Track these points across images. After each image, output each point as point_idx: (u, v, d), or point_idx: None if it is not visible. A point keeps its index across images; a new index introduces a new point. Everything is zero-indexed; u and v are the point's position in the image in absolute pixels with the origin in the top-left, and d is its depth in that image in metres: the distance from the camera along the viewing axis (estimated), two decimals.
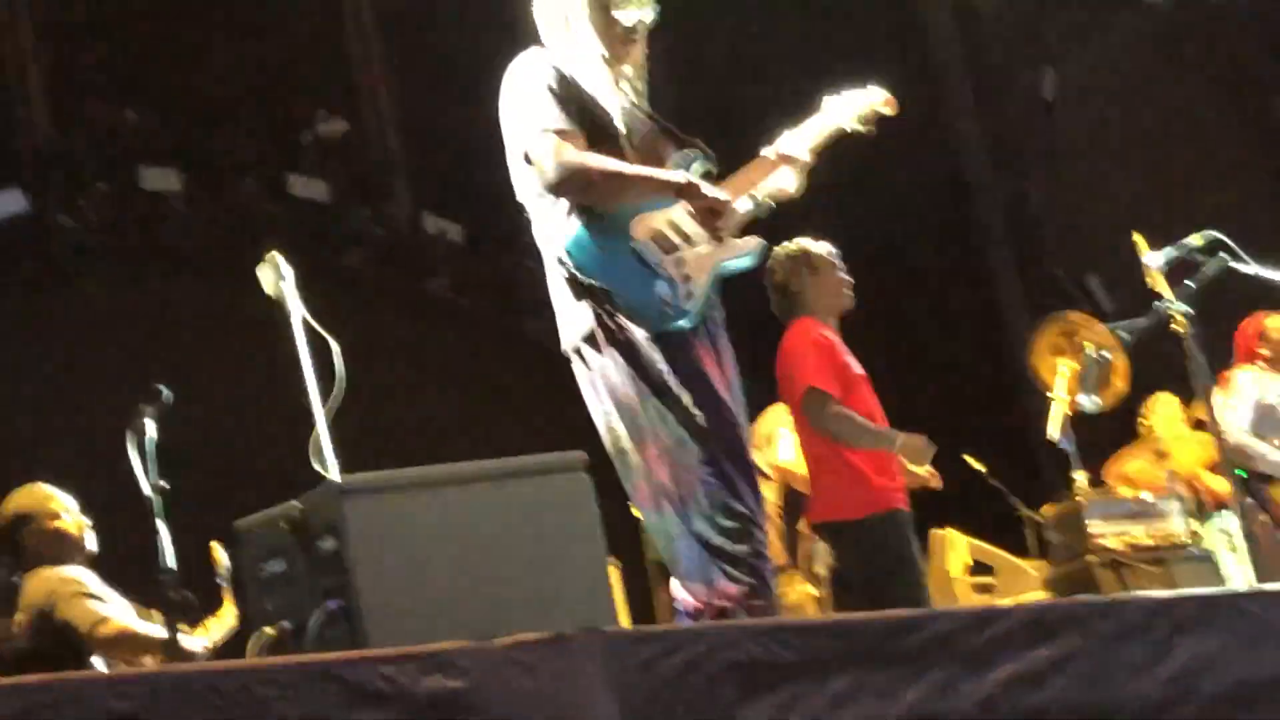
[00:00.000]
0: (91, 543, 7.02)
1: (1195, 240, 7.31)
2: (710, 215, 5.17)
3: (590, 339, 5.16)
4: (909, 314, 13.78)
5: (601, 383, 5.17)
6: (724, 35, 13.42)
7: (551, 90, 5.20)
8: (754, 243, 5.37)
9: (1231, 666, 3.98)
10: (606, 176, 5.13)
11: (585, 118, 5.22)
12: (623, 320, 5.12)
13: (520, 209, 5.40)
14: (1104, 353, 7.54)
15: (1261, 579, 8.02)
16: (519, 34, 5.54)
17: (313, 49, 13.23)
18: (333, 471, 5.42)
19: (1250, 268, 7.12)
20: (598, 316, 5.13)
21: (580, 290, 5.15)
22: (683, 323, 5.13)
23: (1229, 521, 9.55)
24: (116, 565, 7.11)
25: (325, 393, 5.55)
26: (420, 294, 13.16)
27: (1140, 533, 9.23)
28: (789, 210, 5.77)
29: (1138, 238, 8.76)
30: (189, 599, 6.30)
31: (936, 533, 10.13)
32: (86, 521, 7.05)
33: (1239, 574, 9.17)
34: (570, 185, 5.13)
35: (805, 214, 6.17)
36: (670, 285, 5.10)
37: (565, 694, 3.23)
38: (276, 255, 5.71)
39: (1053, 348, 10.17)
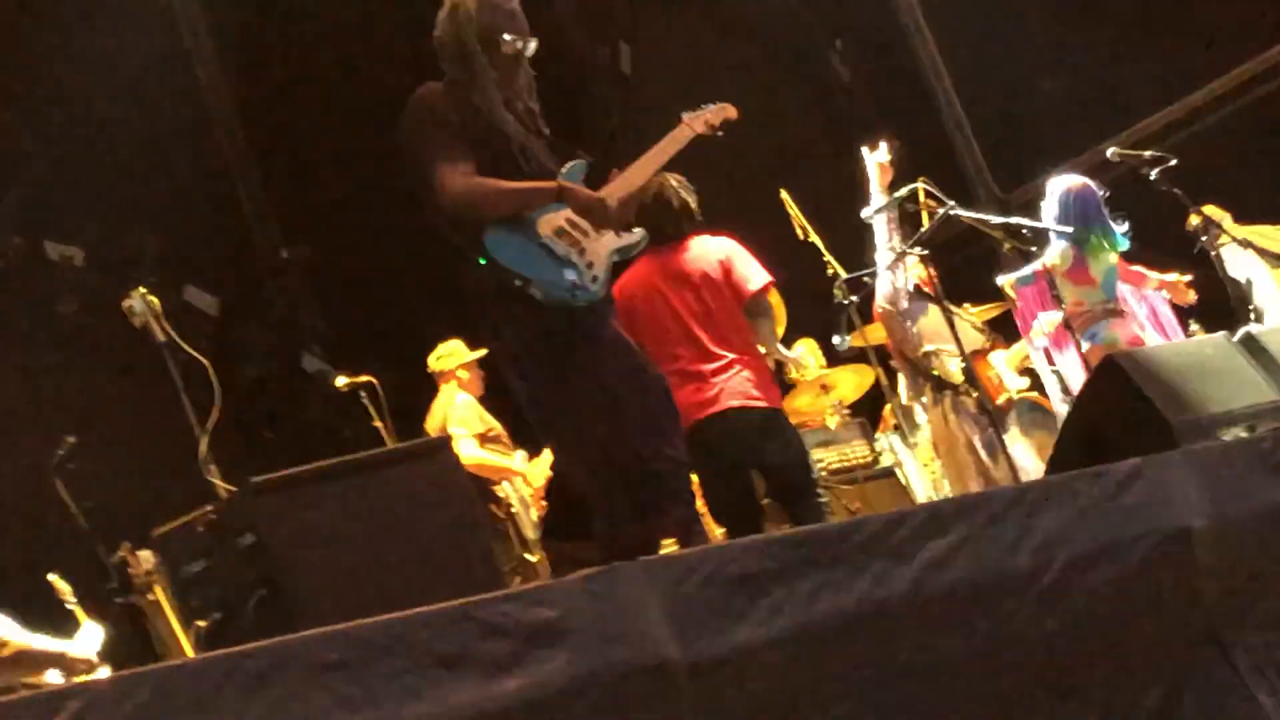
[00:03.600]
0: None
1: (903, 191, 8.21)
2: (587, 213, 5.83)
3: (513, 323, 5.75)
4: None
5: (529, 361, 5.75)
6: None
7: (442, 120, 5.78)
8: (639, 233, 6.09)
9: (1075, 537, 4.82)
10: (490, 196, 5.74)
11: (478, 141, 5.81)
12: (542, 305, 5.70)
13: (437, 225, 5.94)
14: (852, 296, 8.34)
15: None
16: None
17: None
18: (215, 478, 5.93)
19: (963, 212, 8.04)
20: (519, 302, 5.70)
21: (502, 283, 5.72)
22: (590, 300, 5.77)
23: (891, 440, 10.56)
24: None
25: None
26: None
27: (832, 458, 10.17)
28: None
29: (785, 195, 9.68)
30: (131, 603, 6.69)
31: None
32: None
33: (915, 481, 10.19)
34: (461, 207, 5.73)
35: None
36: (577, 271, 5.75)
37: (628, 610, 3.88)
38: (143, 290, 6.20)
39: None
